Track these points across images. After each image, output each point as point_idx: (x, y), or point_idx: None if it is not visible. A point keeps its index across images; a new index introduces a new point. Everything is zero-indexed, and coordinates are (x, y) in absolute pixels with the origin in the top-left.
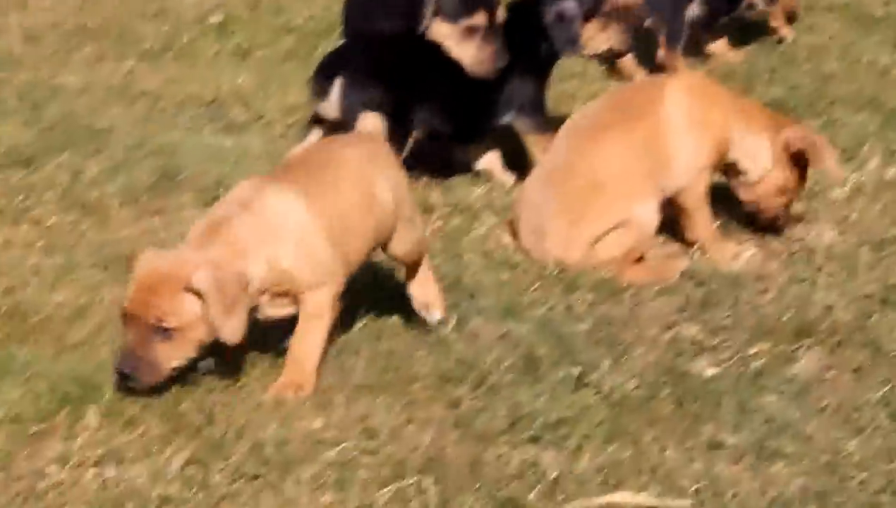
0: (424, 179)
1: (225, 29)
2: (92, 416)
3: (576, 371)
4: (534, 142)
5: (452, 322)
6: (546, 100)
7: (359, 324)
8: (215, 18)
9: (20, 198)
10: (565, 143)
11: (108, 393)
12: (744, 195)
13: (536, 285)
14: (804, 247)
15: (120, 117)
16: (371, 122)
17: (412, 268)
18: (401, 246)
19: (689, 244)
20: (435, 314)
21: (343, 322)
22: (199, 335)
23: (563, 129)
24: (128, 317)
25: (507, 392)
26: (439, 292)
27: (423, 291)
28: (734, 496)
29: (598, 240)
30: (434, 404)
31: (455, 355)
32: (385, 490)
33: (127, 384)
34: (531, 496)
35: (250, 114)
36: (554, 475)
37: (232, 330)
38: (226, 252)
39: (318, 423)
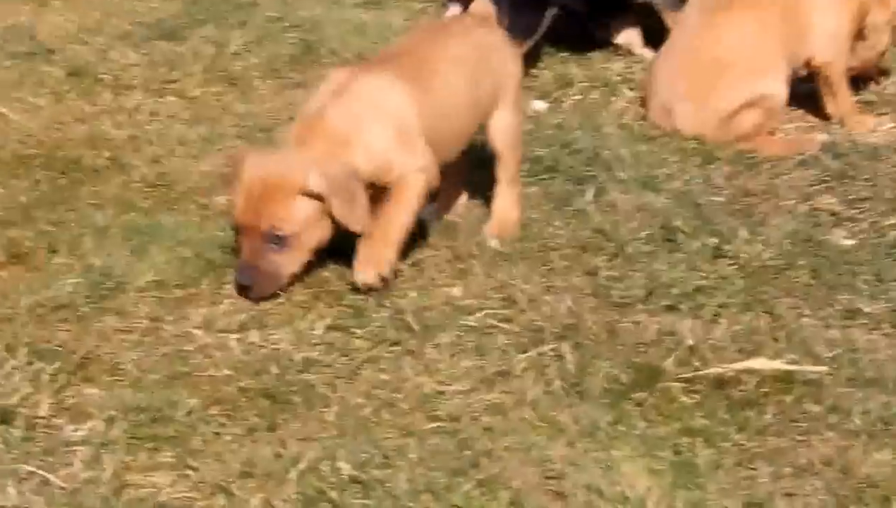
0: (563, 54)
1: None
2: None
3: (713, 241)
4: (671, 18)
5: (591, 192)
6: None
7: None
8: None
9: (166, 69)
10: (694, 19)
11: None
12: (854, 60)
13: (674, 157)
14: None
15: None
16: (482, 5)
17: (503, 167)
18: (497, 132)
19: (827, 117)
20: (492, 240)
21: (482, 192)
22: (316, 238)
23: (691, 4)
24: (241, 228)
25: (645, 261)
26: (517, 221)
27: (500, 216)
28: (870, 362)
29: (727, 116)
30: (572, 273)
31: (593, 225)
32: (523, 355)
33: (248, 294)
34: (667, 362)
35: None
36: (690, 342)
37: (359, 222)
38: (329, 146)
39: (457, 291)
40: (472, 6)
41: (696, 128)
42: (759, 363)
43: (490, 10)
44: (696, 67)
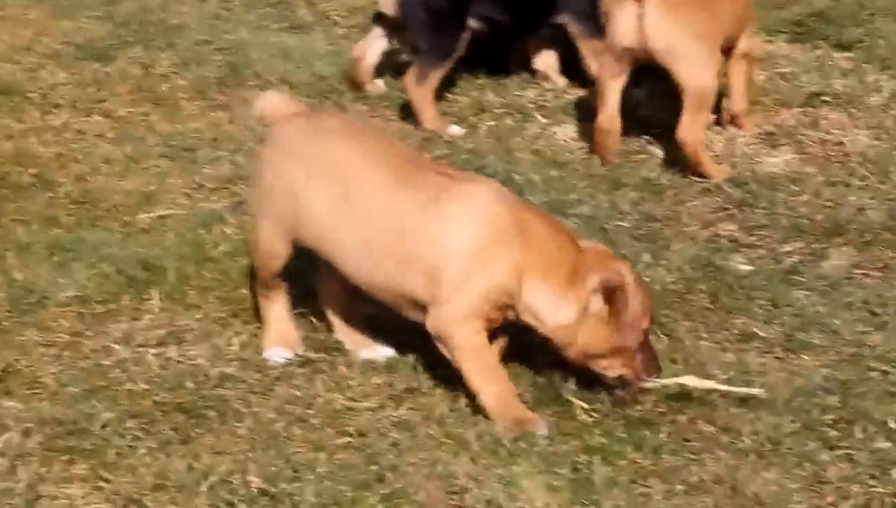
0: (479, 80)
1: None
2: (155, 299)
3: None
4: (587, 47)
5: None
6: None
7: None
8: None
9: (94, 89)
10: None
11: (172, 277)
12: None
13: (583, 183)
14: (840, 150)
15: (191, 14)
16: (270, 100)
17: None
18: None
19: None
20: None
21: None
22: None
23: None
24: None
25: None
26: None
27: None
28: (762, 384)
29: None
30: None
31: None
32: (432, 373)
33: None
34: (569, 382)
35: (315, 14)
36: None
37: None
38: None
39: (370, 310)
40: (272, 101)
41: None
42: (692, 381)
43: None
44: None
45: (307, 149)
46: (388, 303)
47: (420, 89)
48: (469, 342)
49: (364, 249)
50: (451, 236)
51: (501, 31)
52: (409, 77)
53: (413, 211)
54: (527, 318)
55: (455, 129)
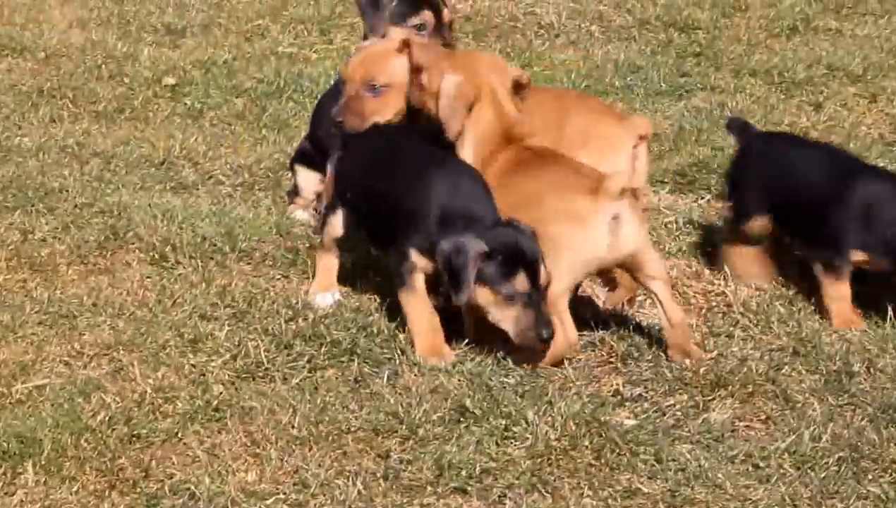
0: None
1: (178, 90)
2: (30, 472)
3: (502, 422)
4: None
5: (386, 375)
6: None
7: (296, 379)
8: (169, 80)
9: None
10: None
11: (48, 448)
12: None
13: (468, 339)
14: (722, 301)
15: (72, 177)
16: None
17: None
18: None
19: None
20: None
21: (280, 377)
22: None
23: None
24: None
25: (436, 443)
26: None
27: None
28: None
29: None
30: (364, 456)
31: (387, 408)
32: None
33: None
34: None
35: (200, 173)
36: None
37: None
38: None
39: (251, 476)
40: None
41: None
42: None
43: None
44: None
45: None
46: None
47: (318, 253)
48: None
49: None
50: None
51: None
52: None
53: None
54: None
55: (320, 299)
